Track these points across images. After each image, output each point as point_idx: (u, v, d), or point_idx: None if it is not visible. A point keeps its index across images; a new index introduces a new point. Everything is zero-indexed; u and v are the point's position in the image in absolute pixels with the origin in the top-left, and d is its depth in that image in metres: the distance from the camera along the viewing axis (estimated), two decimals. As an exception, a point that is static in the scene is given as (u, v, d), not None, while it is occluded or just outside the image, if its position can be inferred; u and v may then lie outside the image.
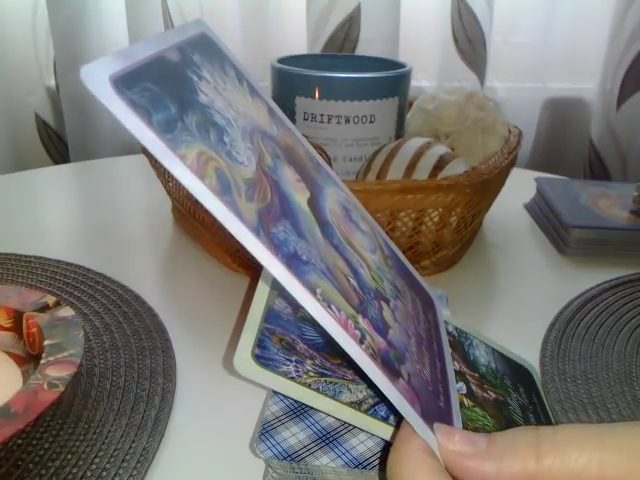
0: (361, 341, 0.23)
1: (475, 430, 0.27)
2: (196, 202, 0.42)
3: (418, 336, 0.29)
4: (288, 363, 0.27)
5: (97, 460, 0.30)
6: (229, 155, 0.23)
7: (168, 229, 0.59)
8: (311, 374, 0.27)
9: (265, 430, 0.29)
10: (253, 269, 0.49)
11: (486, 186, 0.47)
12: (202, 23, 0.28)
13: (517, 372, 0.35)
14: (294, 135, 0.31)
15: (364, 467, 0.27)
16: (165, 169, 0.19)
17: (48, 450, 0.31)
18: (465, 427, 0.27)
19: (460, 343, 0.34)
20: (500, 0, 1.08)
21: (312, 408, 0.29)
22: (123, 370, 0.37)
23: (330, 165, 0.49)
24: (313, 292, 0.22)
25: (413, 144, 0.50)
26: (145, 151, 0.49)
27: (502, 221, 0.62)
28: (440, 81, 1.14)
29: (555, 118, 1.19)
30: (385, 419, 0.27)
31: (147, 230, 0.60)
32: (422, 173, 0.48)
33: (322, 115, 0.53)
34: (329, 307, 0.22)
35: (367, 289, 0.27)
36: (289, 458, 0.27)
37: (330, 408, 0.26)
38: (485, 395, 0.30)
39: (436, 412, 0.25)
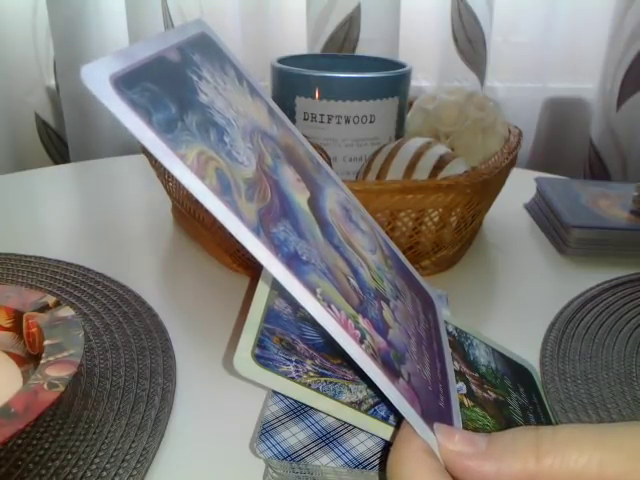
0: (361, 341, 0.23)
1: (475, 430, 0.27)
2: (196, 202, 0.42)
3: (418, 336, 0.29)
4: (288, 363, 0.27)
5: (97, 460, 0.30)
6: (229, 155, 0.23)
7: (168, 229, 0.59)
8: (311, 374, 0.27)
9: (265, 430, 0.29)
10: (253, 269, 0.49)
11: (486, 186, 0.47)
12: (202, 23, 0.28)
13: (517, 372, 0.35)
14: (294, 135, 0.31)
15: (364, 467, 0.27)
16: (165, 169, 0.19)
17: (48, 450, 0.31)
18: (465, 427, 0.27)
19: (460, 343, 0.34)
20: (500, 0, 1.08)
21: (312, 408, 0.29)
22: (123, 370, 0.37)
23: (330, 165, 0.49)
24: (313, 292, 0.22)
25: (413, 144, 0.50)
26: (145, 151, 0.49)
27: (502, 221, 0.62)
28: (440, 81, 1.14)
29: (555, 118, 1.19)
30: (385, 419, 0.27)
31: (147, 230, 0.60)
32: (422, 173, 0.48)
33: (322, 115, 0.53)
34: (329, 307, 0.22)
35: (367, 289, 0.27)
36: (289, 458, 0.27)
37: (330, 408, 0.26)
38: (485, 395, 0.30)
39: (436, 412, 0.25)
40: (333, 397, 0.26)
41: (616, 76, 1.11)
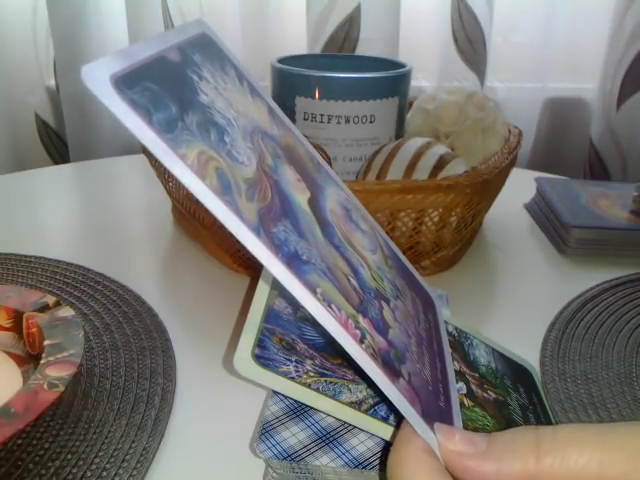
0: (361, 341, 0.23)
1: (475, 430, 0.27)
2: (196, 202, 0.42)
3: (418, 336, 0.29)
4: (288, 363, 0.27)
5: (97, 460, 0.30)
6: (229, 155, 0.23)
7: (168, 229, 0.59)
8: (311, 374, 0.27)
9: (265, 430, 0.29)
10: (253, 269, 0.49)
11: (486, 186, 0.47)
12: (202, 23, 0.28)
13: (517, 372, 0.35)
14: (294, 135, 0.31)
15: (364, 467, 0.27)
16: (165, 169, 0.19)
17: (48, 450, 0.31)
18: (465, 427, 0.27)
19: (460, 343, 0.34)
20: (500, 0, 1.08)
21: (312, 408, 0.29)
22: (123, 370, 0.37)
23: (330, 165, 0.49)
24: (313, 292, 0.22)
25: (413, 144, 0.50)
26: (145, 151, 0.49)
27: (502, 221, 0.62)
28: (440, 81, 1.14)
29: (555, 118, 1.19)
30: (385, 419, 0.27)
31: (147, 230, 0.60)
32: (422, 173, 0.48)
33: (322, 115, 0.53)
34: (329, 306, 0.22)
35: (367, 289, 0.27)
36: (289, 458, 0.27)
37: (330, 408, 0.26)
38: (485, 395, 0.30)
39: (436, 412, 0.25)
40: (333, 397, 0.26)
41: (616, 76, 1.11)
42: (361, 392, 0.28)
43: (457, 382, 0.30)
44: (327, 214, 0.28)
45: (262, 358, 0.26)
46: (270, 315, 0.29)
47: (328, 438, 0.29)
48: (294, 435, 0.29)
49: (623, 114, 1.12)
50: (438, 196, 0.45)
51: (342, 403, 0.26)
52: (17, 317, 0.37)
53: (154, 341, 0.40)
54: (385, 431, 0.26)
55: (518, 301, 0.48)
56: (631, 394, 0.37)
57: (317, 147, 0.46)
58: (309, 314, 0.22)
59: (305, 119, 0.54)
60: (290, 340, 0.29)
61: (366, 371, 0.23)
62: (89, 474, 0.29)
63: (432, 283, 0.37)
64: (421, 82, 1.14)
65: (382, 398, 0.27)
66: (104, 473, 0.30)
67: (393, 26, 1.07)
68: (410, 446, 0.22)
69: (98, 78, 0.18)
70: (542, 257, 0.56)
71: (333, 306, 0.23)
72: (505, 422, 0.29)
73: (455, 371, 0.30)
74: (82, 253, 0.53)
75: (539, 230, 0.61)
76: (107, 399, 0.35)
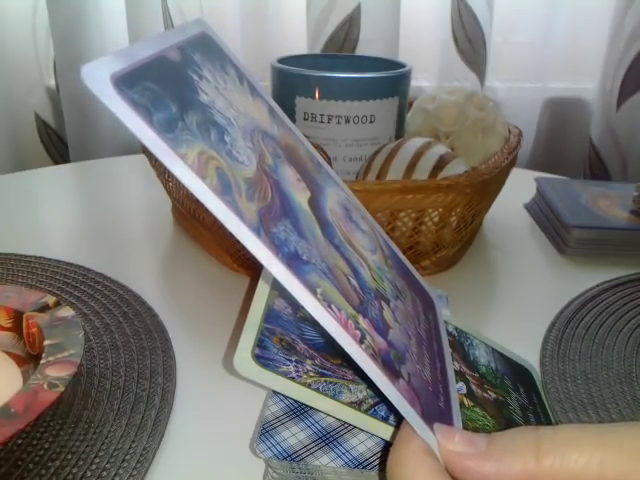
0: (361, 341, 0.23)
1: (475, 430, 0.27)
2: (196, 202, 0.42)
3: (418, 336, 0.29)
4: (288, 363, 0.27)
5: (97, 460, 0.30)
6: (230, 155, 0.23)
7: (168, 229, 0.59)
8: (311, 374, 0.27)
9: (265, 430, 0.29)
10: (253, 269, 0.49)
11: (486, 186, 0.47)
12: (202, 23, 0.28)
13: (517, 372, 0.35)
14: (294, 135, 0.31)
15: (364, 467, 0.27)
16: (165, 169, 0.19)
17: (48, 450, 0.31)
18: (465, 427, 0.27)
19: (460, 343, 0.34)
20: (500, 0, 1.08)
21: (312, 408, 0.29)
22: (123, 370, 0.37)
23: (330, 165, 0.49)
24: (313, 292, 0.22)
25: (413, 144, 0.50)
26: (145, 151, 0.49)
27: (502, 221, 0.62)
28: (440, 81, 1.14)
29: (555, 118, 1.19)
30: (385, 419, 0.27)
31: (147, 230, 0.60)
32: (422, 173, 0.48)
33: (322, 115, 0.53)
34: (329, 307, 0.22)
35: (367, 289, 0.27)
36: (289, 458, 0.27)
37: (330, 408, 0.26)
38: (485, 395, 0.30)
39: (436, 412, 0.25)
40: (333, 397, 0.26)
41: (616, 76, 1.11)
42: (361, 392, 0.28)
43: (457, 382, 0.30)
44: (327, 214, 0.28)
45: (262, 358, 0.26)
46: (270, 315, 0.29)
47: (328, 438, 0.29)
48: (294, 435, 0.29)
49: (623, 114, 1.12)
50: (438, 196, 0.45)
51: (342, 403, 0.26)
52: (17, 317, 0.37)
53: (154, 341, 0.40)
54: (385, 431, 0.26)
55: (518, 301, 0.48)
56: (631, 394, 0.37)
57: (317, 147, 0.46)
58: (309, 314, 0.22)
59: (305, 119, 0.54)
60: (290, 340, 0.29)
61: (366, 372, 0.23)
62: (89, 474, 0.29)
63: (432, 283, 0.37)
64: (421, 82, 1.14)
65: (382, 398, 0.27)
66: (104, 473, 0.30)
67: (393, 26, 1.07)
68: (410, 446, 0.22)
69: (98, 78, 0.18)
70: (542, 257, 0.56)
71: (333, 306, 0.23)
72: (505, 422, 0.29)
73: (455, 371, 0.30)
74: (82, 253, 0.53)
75: (539, 230, 0.61)
76: (107, 399, 0.35)
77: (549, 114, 1.19)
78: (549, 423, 0.32)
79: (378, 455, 0.28)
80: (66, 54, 1.04)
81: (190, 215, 0.54)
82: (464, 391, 0.30)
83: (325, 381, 0.27)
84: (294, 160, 0.28)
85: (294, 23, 1.09)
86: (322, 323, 0.22)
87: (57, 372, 0.31)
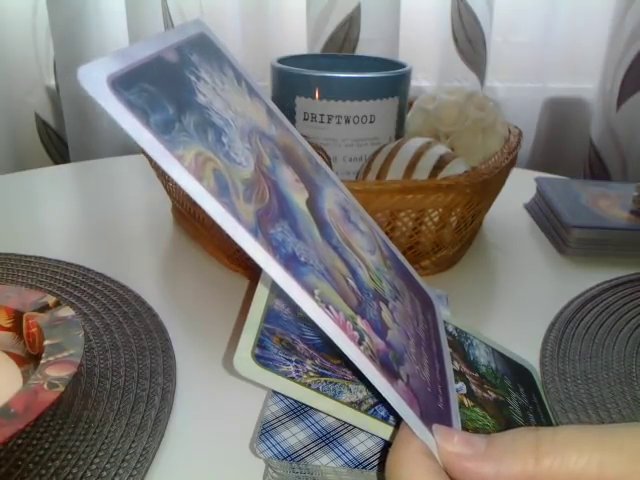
0: (359, 342, 0.23)
1: (475, 430, 0.27)
2: (195, 202, 0.42)
3: (417, 337, 0.29)
4: (288, 363, 0.27)
5: (97, 460, 0.30)
6: (227, 156, 0.23)
7: (168, 229, 0.59)
8: (311, 374, 0.27)
9: (265, 430, 0.29)
10: (252, 270, 0.49)
11: (486, 186, 0.47)
12: (201, 23, 0.28)
13: (517, 372, 0.35)
14: (293, 135, 0.31)
15: (364, 467, 0.27)
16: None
17: (48, 450, 0.31)
18: (465, 427, 0.27)
19: (460, 343, 0.34)
20: (500, 0, 1.08)
21: (312, 408, 0.29)
22: (123, 370, 0.37)
23: (330, 165, 0.49)
24: (311, 293, 0.22)
25: (413, 144, 0.50)
26: (145, 151, 0.49)
27: (502, 221, 0.62)
28: (440, 81, 1.14)
29: (555, 118, 1.19)
30: (385, 419, 0.27)
31: (147, 230, 0.60)
32: (422, 173, 0.47)
33: (322, 115, 0.53)
34: (327, 308, 0.22)
35: (366, 290, 0.27)
36: (289, 458, 0.27)
37: (330, 408, 0.26)
38: (485, 395, 0.30)
39: (435, 413, 0.25)
40: (333, 397, 0.26)
41: (616, 76, 1.10)
42: (361, 392, 0.28)
43: (457, 382, 0.30)
44: (325, 215, 0.28)
45: (262, 358, 0.26)
46: (270, 315, 0.29)
47: (328, 438, 0.29)
48: (294, 435, 0.29)
49: (623, 114, 1.12)
50: (438, 196, 0.45)
51: (342, 403, 0.26)
52: (17, 317, 0.37)
53: (154, 341, 0.40)
54: (385, 431, 0.26)
55: (518, 301, 0.48)
56: (631, 394, 0.37)
57: (317, 147, 0.46)
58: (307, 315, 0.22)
59: (305, 119, 0.54)
60: (290, 340, 0.29)
61: (364, 373, 0.23)
62: (89, 474, 0.29)
63: (432, 283, 0.37)
64: (421, 82, 1.14)
65: (381, 399, 0.27)
66: (104, 473, 0.30)
67: (393, 26, 1.07)
68: (408, 448, 0.22)
69: (94, 79, 0.18)
70: (542, 257, 0.56)
71: (331, 307, 0.23)
72: (505, 422, 0.29)
73: (455, 371, 0.30)
74: (82, 253, 0.53)
75: (539, 230, 0.61)
76: (107, 399, 0.35)
77: (549, 114, 1.19)
78: (549, 423, 0.32)
79: (378, 455, 0.28)
80: (66, 54, 1.04)
81: (190, 215, 0.54)
82: (464, 391, 0.30)
83: (325, 381, 0.27)
84: (292, 161, 0.28)
85: (294, 23, 1.09)
86: (320, 324, 0.22)
87: (57, 372, 0.31)
